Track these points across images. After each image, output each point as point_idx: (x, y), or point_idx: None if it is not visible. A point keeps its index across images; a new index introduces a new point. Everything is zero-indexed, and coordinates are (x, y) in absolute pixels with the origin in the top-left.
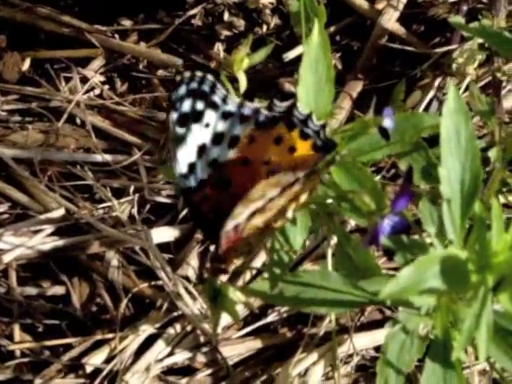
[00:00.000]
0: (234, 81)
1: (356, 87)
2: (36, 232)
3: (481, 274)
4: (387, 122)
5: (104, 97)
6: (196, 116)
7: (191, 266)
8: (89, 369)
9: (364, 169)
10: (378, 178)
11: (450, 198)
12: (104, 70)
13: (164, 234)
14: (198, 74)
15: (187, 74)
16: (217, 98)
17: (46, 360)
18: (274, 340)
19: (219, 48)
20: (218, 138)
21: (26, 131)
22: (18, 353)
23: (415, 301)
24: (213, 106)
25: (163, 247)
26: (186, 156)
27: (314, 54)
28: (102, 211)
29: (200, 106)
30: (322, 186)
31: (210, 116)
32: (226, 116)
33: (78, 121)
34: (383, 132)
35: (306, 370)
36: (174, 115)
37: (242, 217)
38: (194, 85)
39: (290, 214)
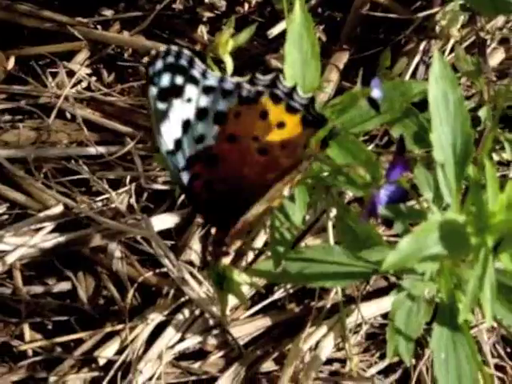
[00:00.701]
0: (220, 63)
1: (342, 58)
2: (37, 230)
3: (480, 236)
4: (376, 93)
5: (92, 89)
6: (176, 91)
7: (194, 250)
8: (102, 361)
9: (357, 141)
10: (371, 146)
11: (443, 162)
12: (89, 62)
13: (164, 220)
14: (174, 48)
15: (163, 48)
16: (196, 73)
17: (58, 357)
18: (282, 317)
19: (203, 30)
20: (201, 114)
21: (17, 130)
22: (30, 352)
23: (418, 267)
24: (193, 80)
25: (164, 234)
26: (170, 132)
27: (297, 31)
28: (100, 204)
29: (179, 80)
30: (316, 162)
31: (191, 91)
32: (207, 91)
33: (68, 115)
34: (372, 103)
35: (317, 344)
36: (154, 90)
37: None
38: (170, 59)
39: (285, 192)
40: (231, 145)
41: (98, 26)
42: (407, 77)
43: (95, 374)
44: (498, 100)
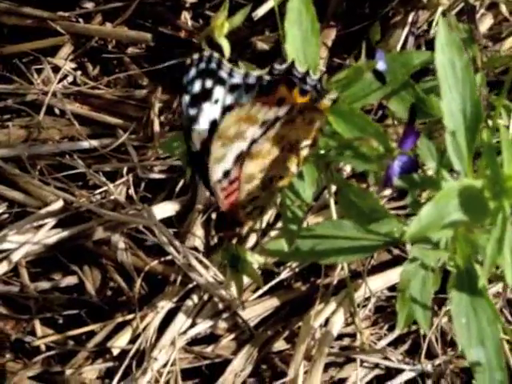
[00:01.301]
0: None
1: (330, 35)
2: (39, 227)
3: (497, 200)
4: (381, 65)
5: (78, 83)
6: (206, 94)
7: (197, 236)
8: (115, 351)
9: (363, 115)
10: None
11: (454, 129)
12: (74, 56)
13: (164, 209)
14: (205, 53)
15: (196, 56)
16: (223, 74)
17: (71, 350)
18: (290, 296)
19: (186, 16)
20: (226, 111)
21: (6, 129)
22: (43, 347)
23: (434, 235)
24: (220, 81)
25: (166, 222)
26: (199, 134)
27: (296, 8)
28: (99, 197)
29: (209, 84)
30: (322, 138)
31: (219, 92)
32: (233, 89)
33: (57, 111)
34: (378, 75)
35: (327, 320)
36: (187, 98)
37: (228, 161)
38: (202, 65)
39: (294, 169)
40: None
41: (80, 20)
42: (398, 49)
43: (110, 364)
44: (491, 65)
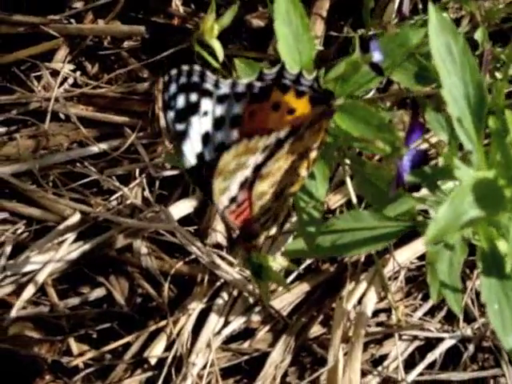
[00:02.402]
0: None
1: (324, 5)
2: (60, 243)
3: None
4: (376, 56)
5: (79, 84)
6: (192, 108)
7: (218, 231)
8: (153, 361)
9: (367, 107)
10: (372, 93)
11: (459, 116)
12: (71, 58)
13: (182, 208)
14: (185, 67)
15: (174, 72)
16: (209, 85)
17: (109, 364)
18: (319, 279)
19: (177, 3)
20: (219, 123)
21: (15, 141)
22: (81, 365)
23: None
24: (206, 93)
25: (185, 220)
26: (191, 148)
27: (283, 7)
28: (115, 202)
29: (194, 97)
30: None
31: (206, 104)
32: (221, 99)
33: (62, 116)
34: (375, 67)
35: (360, 300)
36: (171, 114)
37: (232, 189)
38: (183, 79)
39: (304, 174)
40: None
41: (72, 20)
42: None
43: (149, 374)
44: (492, 18)
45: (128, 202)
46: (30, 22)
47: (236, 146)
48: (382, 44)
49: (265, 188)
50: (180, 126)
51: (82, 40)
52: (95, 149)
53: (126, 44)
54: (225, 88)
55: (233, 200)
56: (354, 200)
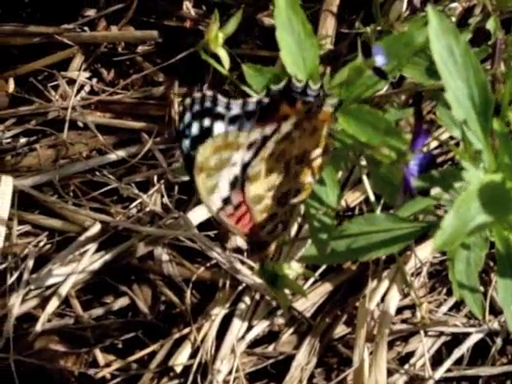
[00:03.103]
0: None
1: (334, 1)
2: (82, 254)
3: None
4: (379, 60)
5: (96, 91)
6: (206, 133)
7: (233, 233)
8: (178, 369)
9: (373, 111)
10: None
11: (465, 118)
12: (86, 66)
13: (201, 212)
14: (197, 95)
15: (188, 101)
16: (220, 109)
17: (136, 374)
18: (341, 278)
19: (188, 6)
20: None
21: (35, 152)
22: (108, 376)
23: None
24: (219, 117)
25: (205, 225)
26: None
27: (284, 15)
28: (135, 210)
29: (207, 122)
30: (338, 142)
31: (219, 127)
32: (233, 120)
33: (80, 124)
34: (378, 72)
35: (383, 297)
36: (187, 142)
37: (223, 188)
38: (196, 107)
39: (310, 180)
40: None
41: (85, 28)
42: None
43: (175, 381)
44: (504, 6)
45: (147, 209)
46: (44, 32)
47: (213, 139)
48: (387, 44)
49: (259, 191)
50: (195, 153)
51: (97, 47)
52: (113, 156)
53: (139, 49)
54: (236, 108)
55: (226, 201)
56: (372, 198)
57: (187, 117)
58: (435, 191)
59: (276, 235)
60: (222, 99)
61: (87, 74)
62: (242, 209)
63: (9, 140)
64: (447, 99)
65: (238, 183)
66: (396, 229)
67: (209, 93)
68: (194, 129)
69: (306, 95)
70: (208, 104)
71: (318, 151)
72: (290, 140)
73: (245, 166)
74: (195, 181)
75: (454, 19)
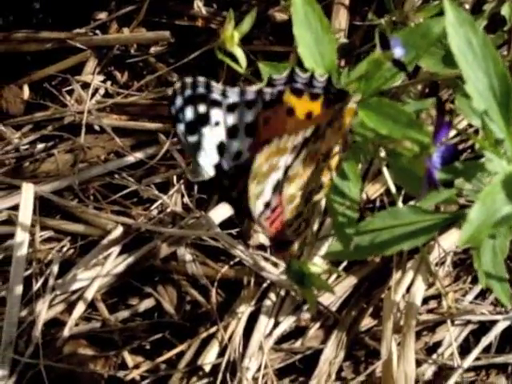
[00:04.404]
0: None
1: None
2: (105, 258)
3: None
4: (398, 52)
5: (110, 94)
6: (202, 119)
7: (260, 232)
8: (207, 368)
9: (394, 104)
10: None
11: (486, 109)
12: (100, 69)
13: (222, 211)
14: (188, 80)
15: (178, 85)
16: (216, 95)
17: (165, 374)
18: (366, 271)
19: (199, 5)
20: (232, 132)
21: (53, 157)
22: (137, 377)
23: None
24: (215, 103)
25: (227, 223)
26: (207, 160)
27: (301, 11)
28: (156, 211)
29: (202, 108)
30: (358, 136)
31: (216, 114)
32: (231, 108)
33: (97, 127)
34: (397, 64)
35: (408, 288)
36: (181, 126)
37: (266, 193)
38: (188, 92)
39: (329, 176)
40: None
41: (97, 32)
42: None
43: (205, 381)
44: None
45: (168, 210)
46: (56, 37)
47: (268, 146)
48: (404, 36)
49: (293, 191)
50: (192, 138)
51: (109, 50)
52: (131, 158)
53: (152, 50)
54: (233, 96)
55: (267, 205)
56: (393, 190)
57: (178, 100)
58: (456, 181)
59: (299, 233)
60: (216, 86)
61: (101, 78)
62: (277, 211)
63: (26, 147)
64: (467, 91)
65: (279, 186)
66: (420, 221)
67: (201, 78)
68: (188, 113)
69: (313, 87)
70: (201, 90)
71: (340, 147)
72: (322, 138)
73: (287, 169)
74: (247, 188)
75: (467, 6)
